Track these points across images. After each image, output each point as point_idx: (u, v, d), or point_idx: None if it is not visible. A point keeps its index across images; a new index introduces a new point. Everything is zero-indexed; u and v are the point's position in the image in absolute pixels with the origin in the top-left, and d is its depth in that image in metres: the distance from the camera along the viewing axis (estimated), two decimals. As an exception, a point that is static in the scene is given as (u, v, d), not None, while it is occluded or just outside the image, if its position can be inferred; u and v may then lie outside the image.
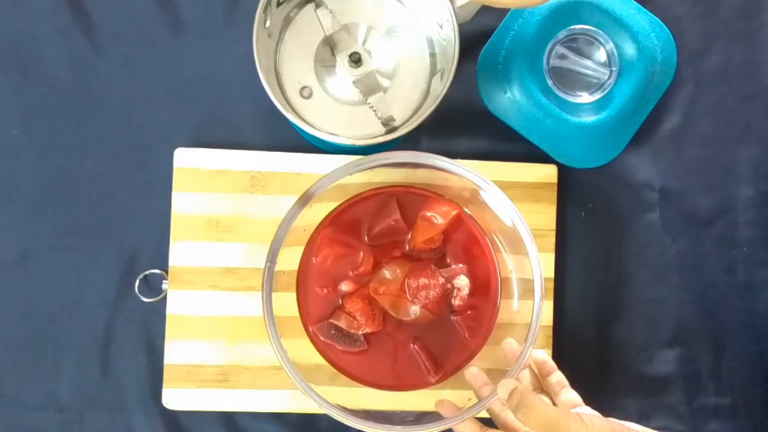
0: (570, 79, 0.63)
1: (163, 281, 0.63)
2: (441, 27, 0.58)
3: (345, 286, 0.60)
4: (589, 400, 0.65)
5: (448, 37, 0.57)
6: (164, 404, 0.62)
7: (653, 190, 0.65)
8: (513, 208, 0.57)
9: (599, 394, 0.64)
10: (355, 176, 0.59)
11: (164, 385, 0.62)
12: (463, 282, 0.60)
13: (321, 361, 0.59)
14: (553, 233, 0.64)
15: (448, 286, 0.59)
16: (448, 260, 0.61)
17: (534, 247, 0.56)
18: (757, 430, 0.65)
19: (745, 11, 0.66)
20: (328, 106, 0.60)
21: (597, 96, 0.62)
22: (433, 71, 0.61)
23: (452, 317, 0.61)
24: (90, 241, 0.63)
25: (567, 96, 0.62)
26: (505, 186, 0.63)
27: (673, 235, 0.65)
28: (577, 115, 0.62)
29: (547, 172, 0.64)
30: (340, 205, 0.61)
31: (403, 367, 0.61)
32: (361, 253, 0.60)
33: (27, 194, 0.64)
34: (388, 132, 0.60)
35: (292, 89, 0.60)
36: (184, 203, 0.62)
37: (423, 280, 0.58)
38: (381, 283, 0.59)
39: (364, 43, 0.61)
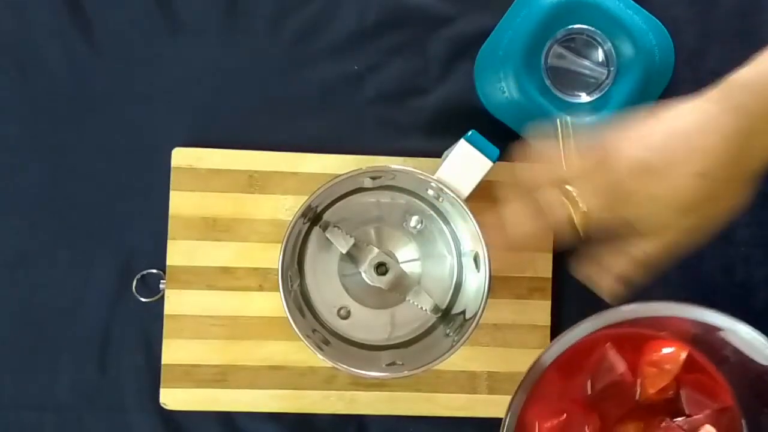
0: (568, 79, 0.63)
1: (161, 281, 0.63)
2: (439, 200, 0.58)
3: None
4: (586, 400, 0.65)
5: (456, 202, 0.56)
6: (162, 404, 0.62)
7: (651, 190, 0.65)
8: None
9: (597, 393, 0.65)
10: None
11: (162, 385, 0.62)
12: None
13: (315, 363, 0.57)
14: (551, 233, 0.64)
15: None
16: (685, 408, 0.54)
17: None
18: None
19: (743, 11, 0.66)
20: (370, 317, 0.61)
21: (595, 96, 0.62)
22: (456, 242, 0.61)
23: None
24: (87, 241, 0.63)
25: (565, 96, 0.62)
26: (502, 186, 0.63)
27: (670, 234, 0.65)
28: (575, 115, 0.62)
29: (545, 172, 0.64)
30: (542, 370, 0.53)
31: None
32: (585, 418, 0.53)
33: (24, 194, 0.64)
34: (441, 318, 0.60)
35: (329, 314, 0.61)
36: (181, 203, 0.62)
37: None
38: None
39: (381, 245, 0.60)
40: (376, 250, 0.59)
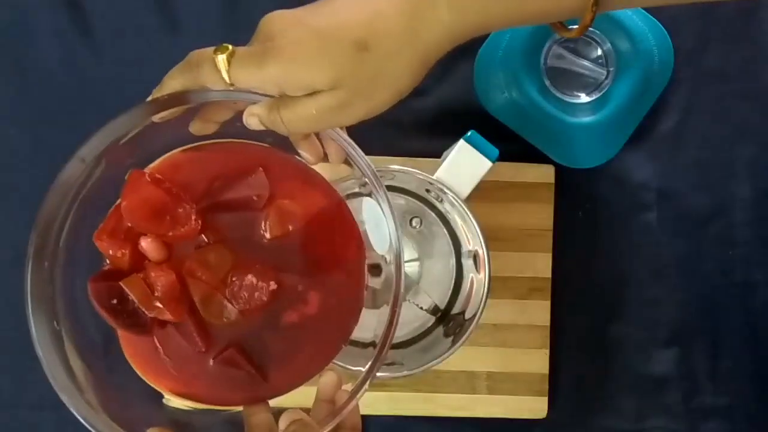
0: (567, 79, 0.63)
1: (161, 281, 0.63)
2: (439, 200, 0.58)
3: (146, 244, 0.44)
4: (585, 400, 0.65)
5: (455, 210, 0.56)
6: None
7: (650, 190, 0.65)
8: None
9: (596, 393, 0.65)
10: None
11: (163, 384, 0.62)
12: (304, 297, 0.46)
13: None
14: (551, 233, 0.64)
15: (284, 295, 0.45)
16: (299, 263, 0.46)
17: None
18: (753, 430, 0.65)
19: (742, 11, 0.66)
20: (367, 316, 0.56)
21: (594, 96, 0.62)
22: (455, 242, 0.60)
23: (281, 333, 0.46)
24: (87, 241, 0.63)
25: (564, 96, 0.62)
26: (502, 186, 0.63)
27: (670, 235, 0.65)
28: (574, 115, 0.62)
29: (545, 172, 0.64)
30: (184, 148, 0.47)
31: (206, 374, 0.47)
32: (189, 209, 0.44)
33: (24, 194, 0.64)
34: (440, 319, 0.60)
35: None
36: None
37: (250, 279, 0.44)
38: (202, 264, 0.44)
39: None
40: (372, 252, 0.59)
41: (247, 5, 0.65)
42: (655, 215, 0.65)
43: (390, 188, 0.59)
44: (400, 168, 0.55)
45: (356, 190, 0.54)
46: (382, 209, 0.44)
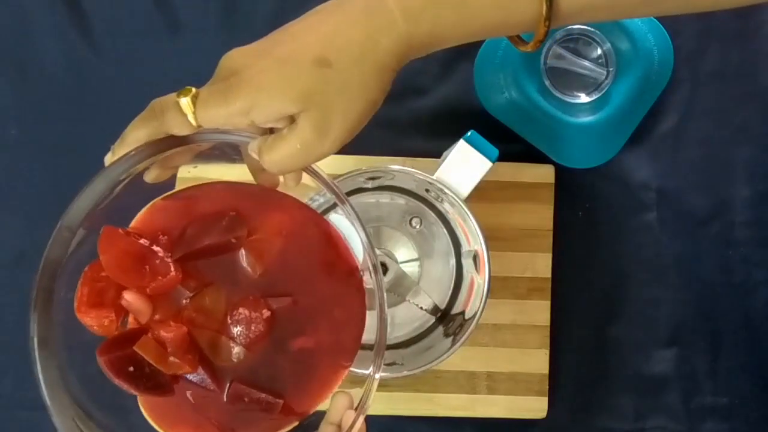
0: (567, 79, 0.63)
1: (161, 281, 0.63)
2: (439, 200, 0.58)
3: (129, 297, 0.43)
4: (585, 400, 0.65)
5: (454, 208, 0.56)
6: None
7: (650, 190, 0.65)
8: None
9: (596, 393, 0.65)
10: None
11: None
12: (306, 316, 0.46)
13: None
14: (551, 233, 0.64)
15: (285, 319, 0.45)
16: (292, 285, 0.45)
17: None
18: (753, 430, 0.65)
19: (742, 11, 0.66)
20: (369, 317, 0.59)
21: (594, 96, 0.62)
22: (455, 242, 0.60)
23: (287, 357, 0.46)
24: (87, 241, 0.64)
25: (564, 96, 0.62)
26: (501, 186, 0.63)
27: (670, 235, 0.65)
28: (574, 115, 0.62)
29: (545, 172, 0.64)
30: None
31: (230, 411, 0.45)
32: (166, 258, 0.44)
33: (24, 194, 0.64)
34: (440, 319, 0.60)
35: None
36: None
37: (243, 312, 0.44)
38: (199, 311, 0.44)
39: (381, 245, 0.60)
40: (376, 250, 0.59)
41: (247, 5, 0.65)
42: (655, 215, 0.65)
43: (390, 188, 0.59)
44: (400, 168, 0.55)
45: (327, 205, 0.54)
46: (351, 222, 0.44)
